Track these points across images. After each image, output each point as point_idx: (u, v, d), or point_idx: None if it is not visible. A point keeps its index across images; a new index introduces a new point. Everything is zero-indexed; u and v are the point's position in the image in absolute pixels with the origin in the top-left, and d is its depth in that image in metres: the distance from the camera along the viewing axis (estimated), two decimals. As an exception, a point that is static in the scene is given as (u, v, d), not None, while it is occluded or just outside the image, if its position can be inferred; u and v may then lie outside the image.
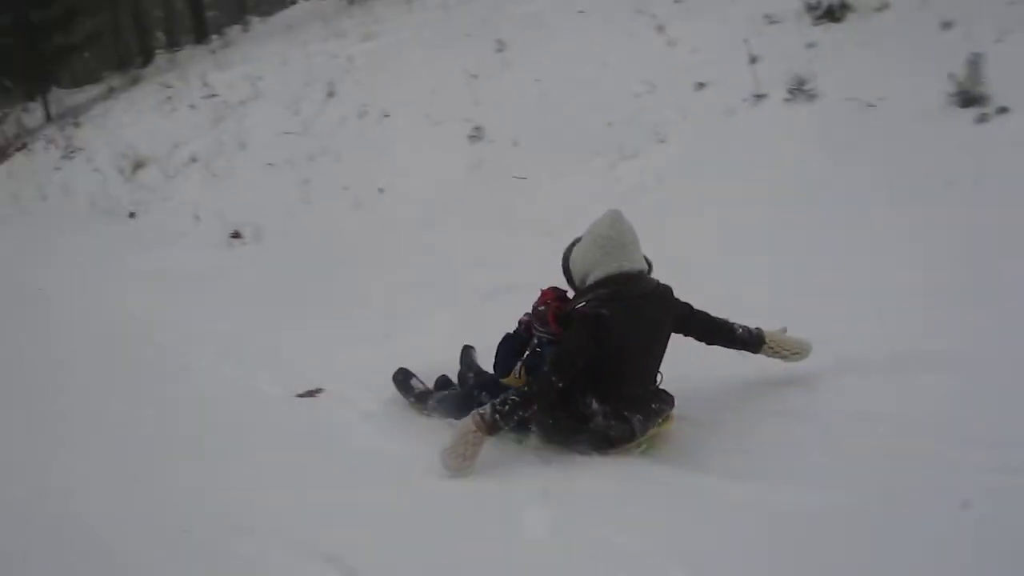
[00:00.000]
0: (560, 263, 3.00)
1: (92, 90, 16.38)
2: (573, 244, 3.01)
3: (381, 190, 5.75)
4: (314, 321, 4.45)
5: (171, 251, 6.27)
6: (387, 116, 6.61)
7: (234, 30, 17.15)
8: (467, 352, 3.62)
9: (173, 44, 22.15)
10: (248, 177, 6.91)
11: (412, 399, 3.40)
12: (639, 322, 2.83)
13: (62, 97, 15.68)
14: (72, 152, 10.37)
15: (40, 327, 5.13)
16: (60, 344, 4.70)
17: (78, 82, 20.54)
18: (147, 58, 16.64)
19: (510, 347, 3.11)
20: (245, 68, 9.99)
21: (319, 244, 5.54)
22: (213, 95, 9.37)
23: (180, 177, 7.69)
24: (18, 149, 12.00)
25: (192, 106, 9.44)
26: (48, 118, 14.10)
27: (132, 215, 7.42)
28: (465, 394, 3.21)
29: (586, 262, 2.90)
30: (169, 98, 10.33)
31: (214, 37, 17.02)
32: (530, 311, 3.08)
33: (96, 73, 21.04)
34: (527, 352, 3.05)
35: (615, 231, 2.87)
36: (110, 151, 9.25)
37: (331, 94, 7.45)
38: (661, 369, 2.96)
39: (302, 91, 7.88)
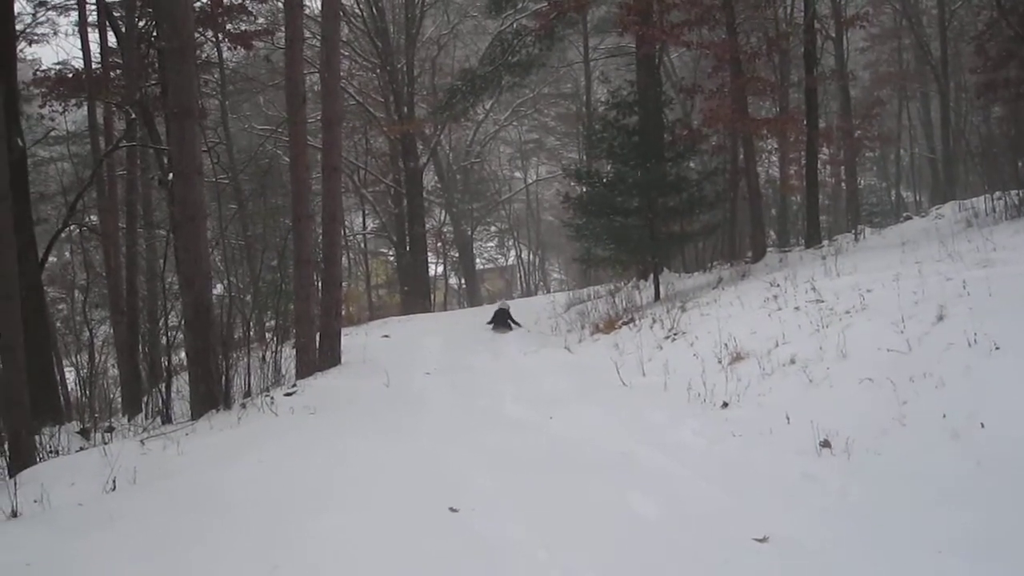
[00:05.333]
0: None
1: (700, 278, 17.70)
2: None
3: (983, 425, 5.46)
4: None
5: (757, 452, 6.55)
6: (998, 349, 6.27)
7: (846, 238, 17.51)
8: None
9: (784, 244, 23.26)
10: (844, 388, 6.93)
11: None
12: (500, 311, 17.36)
13: (672, 280, 17.12)
14: (675, 334, 11.26)
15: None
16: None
17: (688, 268, 22.50)
18: (758, 255, 17.56)
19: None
20: (854, 278, 10.13)
21: (912, 472, 5.35)
22: (819, 300, 9.61)
23: (776, 375, 7.96)
24: (625, 323, 13.33)
25: (797, 308, 9.75)
26: (657, 298, 15.50)
27: (725, 405, 7.84)
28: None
29: (498, 303, 19.40)
30: (775, 297, 10.76)
31: (825, 242, 17.48)
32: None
33: (707, 262, 22.85)
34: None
35: (503, 303, 19.13)
36: (711, 339, 9.92)
37: (941, 317, 7.27)
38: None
39: (910, 310, 7.78)
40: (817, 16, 19.60)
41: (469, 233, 40.28)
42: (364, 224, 38.13)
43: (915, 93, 36.55)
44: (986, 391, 5.84)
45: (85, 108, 19.45)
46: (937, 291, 8.02)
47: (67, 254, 29.42)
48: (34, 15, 23.12)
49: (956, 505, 4.81)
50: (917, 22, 31.06)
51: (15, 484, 6.51)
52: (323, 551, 5.08)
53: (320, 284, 13.92)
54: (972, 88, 24.33)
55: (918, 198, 40.70)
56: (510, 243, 49.71)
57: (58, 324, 23.42)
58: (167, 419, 10.56)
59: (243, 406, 10.16)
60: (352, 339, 15.28)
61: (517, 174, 48.44)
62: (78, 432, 10.50)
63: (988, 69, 18.11)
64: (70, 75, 20.05)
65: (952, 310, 7.32)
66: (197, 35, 16.46)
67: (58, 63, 23.14)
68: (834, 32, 24.14)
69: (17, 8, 21.11)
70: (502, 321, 17.05)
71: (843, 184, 30.25)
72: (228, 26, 21.83)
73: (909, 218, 20.70)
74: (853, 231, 18.88)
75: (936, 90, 31.04)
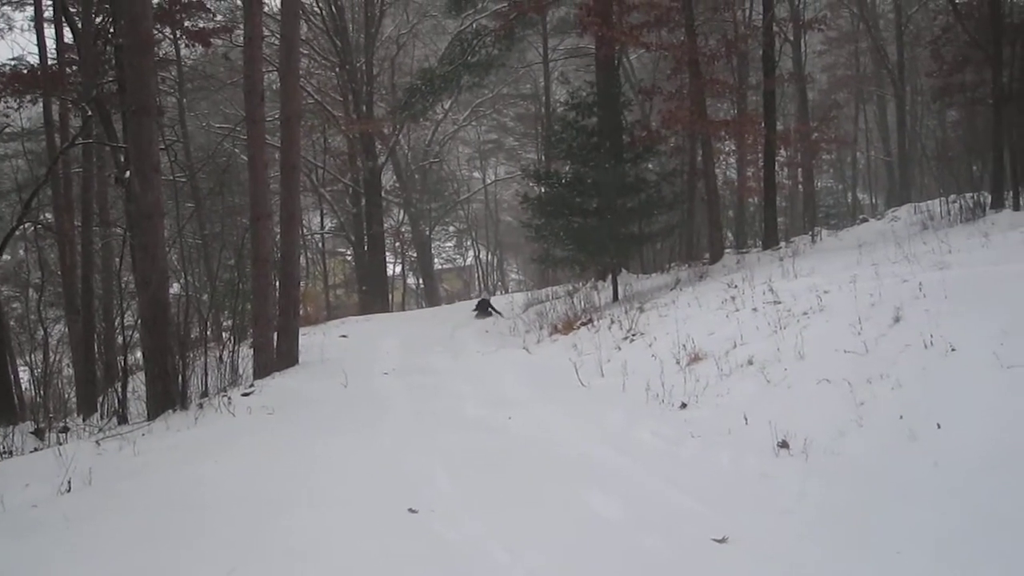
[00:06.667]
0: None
1: (659, 278, 17.78)
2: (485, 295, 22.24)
3: (939, 425, 5.53)
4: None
5: (715, 452, 6.57)
6: (953, 350, 6.36)
7: (803, 240, 17.68)
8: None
9: (741, 245, 23.45)
10: (802, 389, 7.00)
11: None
12: (482, 301, 19.54)
13: (631, 281, 17.15)
14: (634, 335, 11.29)
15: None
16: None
17: (647, 269, 22.61)
18: (716, 256, 17.68)
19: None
20: (812, 280, 10.24)
21: (870, 473, 5.41)
22: (777, 302, 9.71)
23: (734, 376, 8.01)
24: (584, 323, 13.33)
25: (755, 309, 9.83)
26: (615, 298, 15.53)
27: (684, 406, 7.86)
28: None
29: (480, 296, 21.38)
30: (733, 298, 10.84)
31: (783, 244, 17.64)
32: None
33: (665, 263, 22.98)
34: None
35: (486, 293, 24.72)
36: (670, 340, 9.97)
37: (897, 319, 7.37)
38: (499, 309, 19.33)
39: (867, 311, 7.87)
40: (776, 19, 19.79)
41: (427, 233, 40.12)
42: (322, 223, 37.87)
43: (872, 96, 37.08)
44: (942, 392, 5.92)
45: (40, 105, 19.04)
46: (893, 293, 8.12)
47: (21, 252, 28.93)
48: (-12, 10, 22.69)
49: (914, 505, 4.87)
50: (874, 26, 31.51)
51: (-34, 487, 6.39)
52: (281, 555, 5.02)
53: (278, 283, 13.78)
54: (928, 92, 24.71)
55: (874, 200, 41.29)
56: (468, 243, 49.62)
57: (12, 323, 23.03)
58: (123, 419, 10.41)
59: (200, 406, 10.04)
60: (310, 339, 15.16)
61: (476, 174, 48.39)
62: (32, 432, 10.31)
63: (944, 73, 18.42)
64: (25, 71, 19.62)
65: (908, 312, 7.42)
66: (155, 32, 16.20)
67: (13, 59, 22.65)
68: (792, 35, 24.41)
69: (-31, 3, 20.77)
70: (483, 309, 19.35)
71: (800, 186, 30.59)
72: (186, 23, 21.57)
73: (865, 220, 21.00)
74: (810, 233, 19.09)
75: (892, 94, 31.51)
